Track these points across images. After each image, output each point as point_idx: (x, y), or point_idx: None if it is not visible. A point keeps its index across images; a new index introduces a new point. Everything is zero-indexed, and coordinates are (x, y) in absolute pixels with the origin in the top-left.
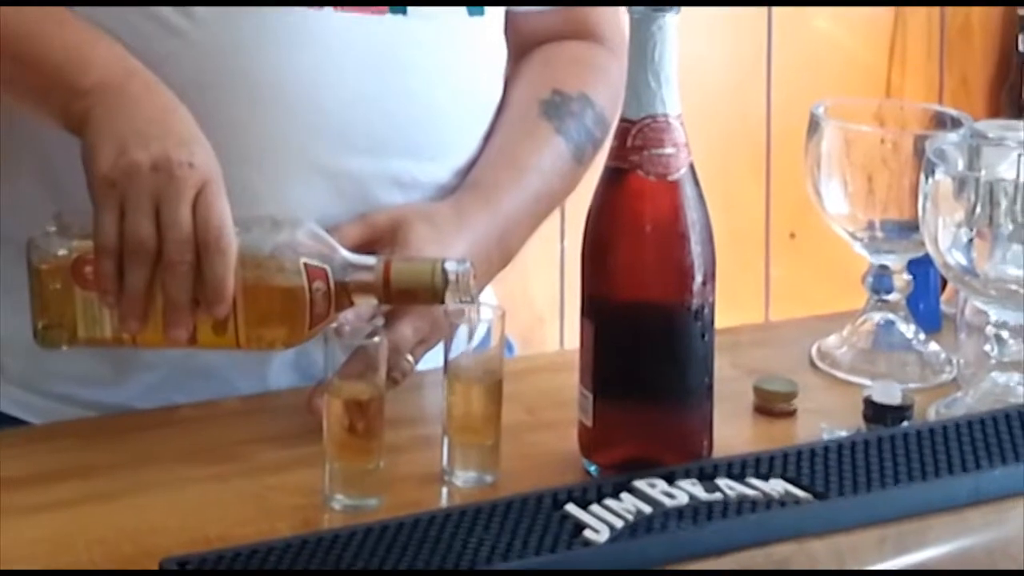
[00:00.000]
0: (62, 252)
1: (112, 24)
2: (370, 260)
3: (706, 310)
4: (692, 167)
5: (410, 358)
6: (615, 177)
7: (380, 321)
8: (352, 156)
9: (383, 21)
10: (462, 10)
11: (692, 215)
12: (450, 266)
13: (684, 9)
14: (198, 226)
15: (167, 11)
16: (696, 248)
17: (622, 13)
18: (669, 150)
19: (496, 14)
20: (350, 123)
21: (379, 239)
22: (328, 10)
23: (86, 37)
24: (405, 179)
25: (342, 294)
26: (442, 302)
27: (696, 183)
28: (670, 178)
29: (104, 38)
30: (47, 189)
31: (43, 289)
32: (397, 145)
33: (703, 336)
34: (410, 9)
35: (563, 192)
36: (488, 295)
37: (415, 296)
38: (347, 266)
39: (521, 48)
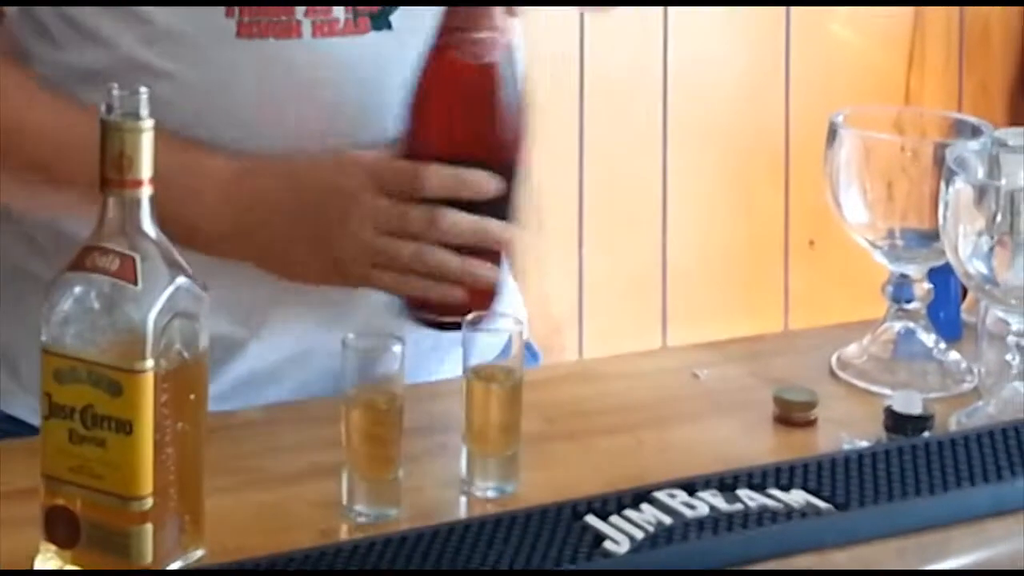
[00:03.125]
0: None
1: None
2: None
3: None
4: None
5: None
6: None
7: None
8: None
9: (365, 41)
10: None
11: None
12: None
13: (701, 17)
14: None
15: (151, 56)
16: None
17: None
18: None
19: None
20: (343, 145)
21: None
22: (308, 38)
23: None
24: None
25: None
26: None
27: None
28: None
29: None
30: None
31: None
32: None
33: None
34: (395, 24)
35: None
36: (516, 304)
37: None
38: None
39: None
